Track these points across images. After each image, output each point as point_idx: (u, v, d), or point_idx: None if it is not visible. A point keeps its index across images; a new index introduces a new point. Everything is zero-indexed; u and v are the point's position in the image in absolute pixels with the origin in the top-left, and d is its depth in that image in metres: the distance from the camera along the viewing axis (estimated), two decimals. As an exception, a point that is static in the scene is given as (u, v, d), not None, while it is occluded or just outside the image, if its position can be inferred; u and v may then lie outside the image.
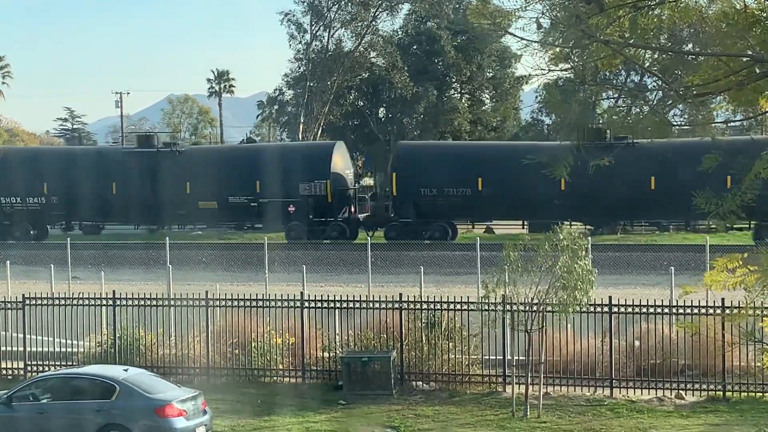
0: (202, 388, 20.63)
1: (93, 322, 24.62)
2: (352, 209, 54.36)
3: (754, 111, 11.56)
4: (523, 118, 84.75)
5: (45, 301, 24.93)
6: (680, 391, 22.00)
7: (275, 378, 23.75)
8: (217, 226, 55.72)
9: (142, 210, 54.79)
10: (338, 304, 24.02)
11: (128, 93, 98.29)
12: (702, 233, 49.73)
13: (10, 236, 54.07)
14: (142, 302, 24.46)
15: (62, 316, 24.64)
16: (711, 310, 21.28)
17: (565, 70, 11.81)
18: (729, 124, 13.11)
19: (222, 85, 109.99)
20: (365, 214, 55.00)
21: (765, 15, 10.29)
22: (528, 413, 20.60)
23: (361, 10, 76.62)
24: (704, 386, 21.89)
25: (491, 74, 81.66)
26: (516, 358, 21.85)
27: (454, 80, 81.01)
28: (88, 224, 57.40)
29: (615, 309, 22.39)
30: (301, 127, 76.97)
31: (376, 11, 77.60)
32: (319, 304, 24.01)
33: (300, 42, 78.86)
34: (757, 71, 10.40)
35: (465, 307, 23.09)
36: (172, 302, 24.60)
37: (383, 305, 23.65)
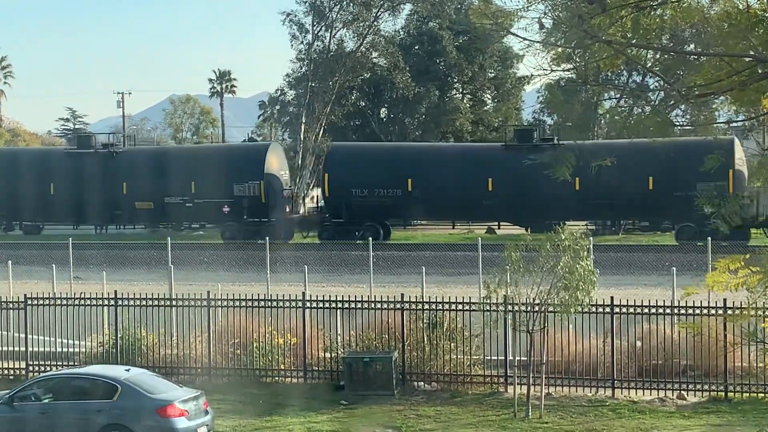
0: (203, 388, 20.63)
1: (95, 322, 24.62)
2: (287, 209, 55.13)
3: (756, 111, 11.54)
4: (525, 118, 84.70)
5: (47, 301, 24.93)
6: (682, 392, 21.98)
7: (277, 378, 23.74)
8: (154, 227, 56.44)
9: (80, 210, 55.69)
10: (340, 305, 24.02)
11: (130, 93, 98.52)
12: (632, 234, 50.40)
13: None
14: (144, 302, 24.46)
15: (64, 316, 24.63)
16: (713, 311, 21.26)
17: (567, 70, 11.81)
18: (731, 125, 13.09)
19: (224, 85, 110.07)
20: (300, 215, 55.68)
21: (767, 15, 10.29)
22: (530, 414, 20.59)
23: (362, 10, 76.53)
24: (706, 387, 21.87)
25: (493, 74, 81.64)
26: (518, 358, 21.83)
27: (455, 80, 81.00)
28: (28, 224, 58.25)
29: (617, 309, 22.38)
30: (302, 127, 76.92)
31: (378, 11, 77.51)
32: (320, 305, 24.01)
33: (302, 42, 78.77)
34: (760, 71, 10.39)
35: (467, 307, 23.08)
36: (174, 302, 24.60)
37: (385, 305, 23.64)
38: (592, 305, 21.54)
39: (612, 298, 22.54)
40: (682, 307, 21.65)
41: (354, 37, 78.31)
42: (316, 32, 77.90)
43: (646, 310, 22.42)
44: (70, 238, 36.49)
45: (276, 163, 55.42)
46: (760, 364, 21.64)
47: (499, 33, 11.42)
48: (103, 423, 18.21)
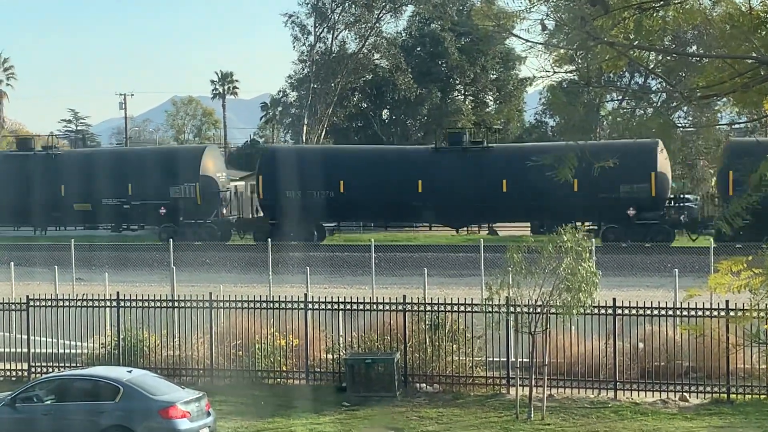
0: (206, 389, 20.64)
1: (97, 324, 24.63)
2: (224, 211, 55.83)
3: (758, 113, 11.55)
4: (527, 120, 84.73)
5: (49, 303, 24.95)
6: (684, 394, 21.97)
7: (279, 380, 23.75)
8: (93, 228, 56.92)
9: (20, 212, 56.35)
10: (342, 306, 24.02)
11: (132, 95, 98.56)
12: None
13: None
14: (146, 304, 24.47)
15: (66, 318, 24.64)
16: (715, 313, 21.26)
17: (570, 71, 11.82)
18: (733, 126, 13.10)
19: (226, 87, 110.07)
20: (236, 216, 56.39)
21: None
22: (532, 415, 20.58)
23: (364, 11, 76.65)
24: (708, 388, 21.86)
25: (495, 76, 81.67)
26: (520, 360, 21.83)
27: (457, 82, 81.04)
28: None
29: (619, 311, 22.37)
30: (304, 128, 77.00)
31: (380, 13, 77.63)
32: (322, 306, 24.01)
33: (304, 44, 78.95)
34: (762, 73, 10.39)
35: (469, 308, 23.07)
36: (176, 304, 24.61)
37: (387, 307, 23.64)
38: (595, 307, 21.54)
39: (614, 299, 22.54)
40: (685, 308, 21.63)
41: (356, 39, 78.45)
42: (318, 34, 78.02)
43: (648, 312, 22.41)
44: (72, 240, 36.52)
45: (213, 166, 56.21)
46: (763, 366, 21.65)
47: (501, 34, 11.43)
48: (106, 424, 18.21)
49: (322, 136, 77.31)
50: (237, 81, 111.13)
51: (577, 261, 20.02)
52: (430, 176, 51.32)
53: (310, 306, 23.87)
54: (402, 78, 74.99)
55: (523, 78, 79.32)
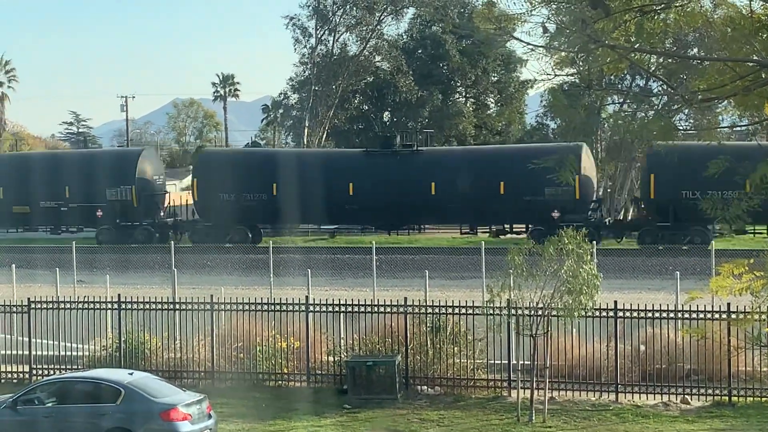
0: (207, 391, 20.65)
1: (98, 326, 24.63)
2: (161, 214, 56.56)
3: (759, 116, 11.54)
4: (528, 122, 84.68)
5: (50, 305, 24.95)
6: (686, 396, 21.97)
7: (280, 382, 23.75)
8: (33, 231, 57.34)
9: None
10: (343, 308, 24.02)
11: (133, 97, 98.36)
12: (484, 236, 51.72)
13: None
14: (148, 306, 24.47)
15: (67, 320, 24.65)
16: (717, 315, 21.25)
17: (571, 74, 11.86)
18: (734, 129, 13.09)
19: (227, 89, 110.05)
20: (174, 219, 57.05)
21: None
22: (533, 418, 20.57)
23: (366, 14, 76.60)
24: (710, 391, 21.85)
25: (496, 78, 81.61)
26: (521, 362, 21.82)
27: (459, 84, 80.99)
28: None
29: (620, 313, 22.36)
30: (306, 131, 76.98)
31: (381, 15, 77.58)
32: (323, 308, 24.01)
33: (305, 46, 78.91)
34: (763, 76, 10.39)
35: (470, 311, 23.07)
36: (177, 306, 24.61)
37: (388, 309, 23.64)
38: (596, 309, 21.53)
39: (615, 302, 22.53)
40: (686, 311, 21.63)
41: (357, 41, 78.40)
42: (319, 36, 77.98)
43: (649, 314, 22.40)
44: (74, 242, 36.52)
45: (150, 169, 56.74)
46: (764, 369, 21.65)
47: (502, 37, 11.44)
48: (107, 426, 18.21)
49: (323, 139, 77.28)
50: (238, 83, 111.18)
51: (578, 263, 20.02)
52: (361, 179, 52.30)
53: (311, 308, 23.87)
54: (403, 80, 74.97)
55: (525, 80, 79.25)
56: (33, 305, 24.84)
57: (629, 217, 56.57)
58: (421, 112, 77.58)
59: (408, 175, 51.30)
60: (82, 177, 54.54)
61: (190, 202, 57.73)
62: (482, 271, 29.17)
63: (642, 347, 22.81)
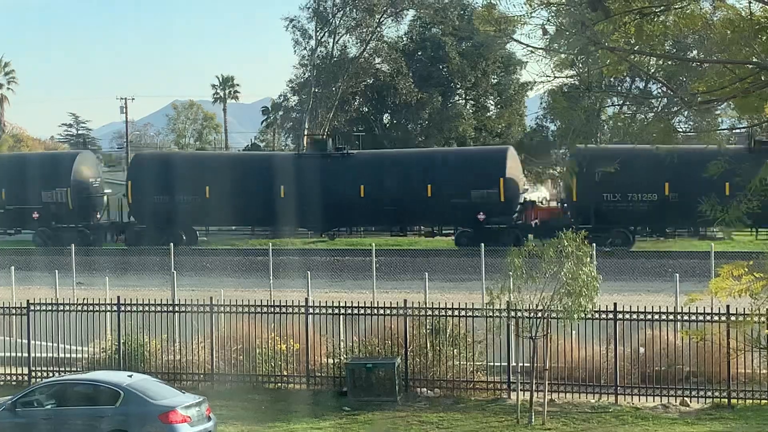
0: (206, 394, 20.64)
1: (98, 328, 24.62)
2: (98, 216, 56.89)
3: (759, 118, 11.54)
4: (528, 124, 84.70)
5: (49, 307, 24.94)
6: (685, 398, 21.96)
7: (280, 384, 23.74)
8: None
9: None
10: (343, 310, 24.01)
11: (133, 99, 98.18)
12: (411, 237, 53.54)
13: None
14: (147, 308, 24.45)
15: (67, 322, 24.63)
16: (716, 317, 21.24)
17: (571, 76, 11.82)
18: (734, 131, 13.09)
19: (227, 91, 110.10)
20: (111, 221, 57.48)
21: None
22: (533, 420, 20.57)
23: (366, 16, 76.63)
24: (709, 393, 21.84)
25: (496, 80, 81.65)
26: (520, 364, 21.82)
27: (458, 86, 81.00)
28: None
29: (620, 315, 22.36)
30: (305, 132, 77.01)
31: (381, 17, 77.61)
32: (323, 310, 24.00)
33: (305, 48, 78.95)
34: (763, 78, 10.39)
35: (469, 313, 23.07)
36: (177, 308, 24.60)
37: (388, 311, 23.63)
38: (595, 311, 21.54)
39: (615, 304, 22.52)
40: (686, 313, 21.62)
41: (357, 43, 78.43)
42: (319, 38, 78.02)
43: (649, 317, 22.39)
44: (73, 245, 36.51)
45: (87, 171, 57.05)
46: (764, 371, 21.64)
47: (502, 39, 11.44)
48: (106, 429, 18.20)
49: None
50: (238, 85, 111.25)
51: (578, 265, 20.03)
52: (293, 182, 52.92)
53: (310, 310, 23.87)
54: (403, 82, 74.98)
55: (524, 82, 79.25)
56: (32, 307, 24.83)
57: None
58: (420, 114, 77.61)
59: (338, 178, 52.14)
60: (18, 180, 55.08)
61: None
62: (482, 273, 29.17)
63: (641, 349, 22.81)
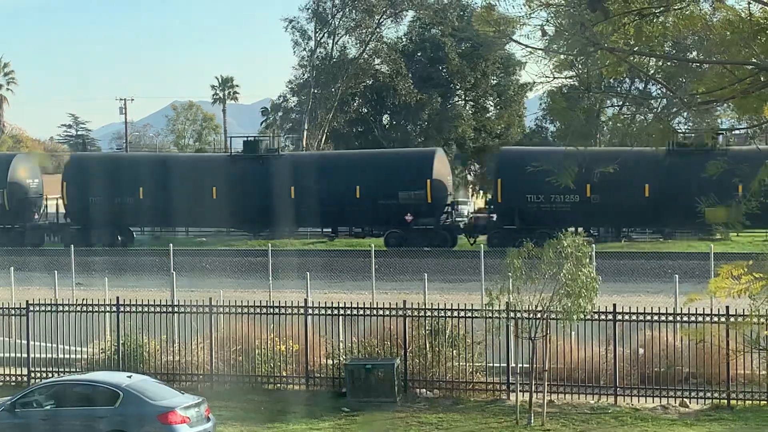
0: (205, 394, 20.64)
1: (97, 329, 24.61)
2: (36, 217, 57.31)
3: (758, 119, 11.54)
4: (528, 125, 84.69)
5: (49, 307, 24.93)
6: (684, 399, 21.96)
7: (279, 385, 23.73)
8: None
9: None
10: (342, 311, 24.00)
11: (132, 99, 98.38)
12: (353, 238, 53.88)
13: None
14: (146, 309, 24.44)
15: (66, 323, 24.62)
16: (715, 318, 21.24)
17: (570, 77, 11.81)
18: (733, 132, 13.09)
19: (226, 92, 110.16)
20: (49, 222, 57.88)
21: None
22: (532, 421, 20.56)
23: (365, 17, 76.63)
24: (708, 394, 21.84)
25: (495, 81, 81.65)
26: (520, 365, 21.82)
27: (458, 87, 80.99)
28: None
29: (619, 316, 22.36)
30: (305, 134, 77.02)
31: (381, 18, 77.62)
32: (322, 311, 23.99)
33: (304, 49, 78.96)
34: (762, 79, 10.39)
35: (469, 314, 23.07)
36: (176, 309, 24.59)
37: (387, 312, 23.63)
38: (595, 312, 21.53)
39: (614, 305, 22.53)
40: (685, 314, 21.62)
41: (356, 44, 78.45)
42: (318, 39, 78.04)
43: (648, 318, 22.39)
44: (72, 246, 36.49)
45: (24, 172, 57.52)
46: (763, 372, 21.63)
47: (501, 40, 11.43)
48: (105, 429, 18.20)
49: (323, 142, 77.32)
50: (237, 86, 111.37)
51: (577, 266, 20.03)
52: (225, 183, 53.62)
53: (309, 311, 23.86)
54: (402, 83, 74.97)
55: (524, 83, 79.25)
56: (31, 308, 24.82)
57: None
58: (420, 115, 77.61)
59: (269, 180, 52.67)
60: None
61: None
62: (481, 274, 29.17)
63: (641, 350, 22.80)
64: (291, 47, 79.29)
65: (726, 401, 21.66)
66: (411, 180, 51.26)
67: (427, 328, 23.37)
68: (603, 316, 22.23)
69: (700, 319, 21.41)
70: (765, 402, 21.53)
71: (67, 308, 24.87)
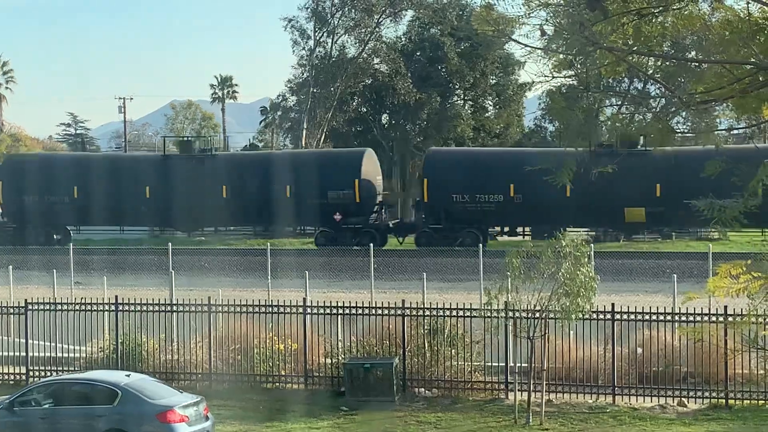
0: (204, 393, 20.65)
1: (95, 328, 24.62)
2: None
3: (757, 119, 11.55)
4: (526, 125, 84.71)
5: (47, 306, 24.93)
6: (683, 399, 21.98)
7: (278, 384, 23.74)
8: None
9: None
10: (341, 310, 24.02)
11: (131, 98, 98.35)
12: (275, 239, 53.63)
13: None
14: (145, 308, 24.45)
15: (64, 321, 24.63)
16: (714, 318, 21.25)
17: (569, 77, 11.81)
18: (732, 132, 13.09)
19: (225, 91, 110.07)
20: None
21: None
22: (530, 420, 20.58)
23: (364, 16, 76.61)
24: (707, 394, 21.86)
25: (494, 81, 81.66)
26: (518, 364, 21.83)
27: (457, 87, 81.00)
28: None
29: (617, 316, 22.38)
30: (304, 133, 77.00)
31: (380, 18, 77.60)
32: (321, 310, 24.00)
33: (303, 48, 78.94)
34: (761, 79, 10.40)
35: (467, 313, 23.08)
36: (175, 308, 24.60)
37: (386, 311, 23.64)
38: (593, 312, 21.55)
39: (613, 304, 22.54)
40: (683, 313, 21.64)
41: (356, 43, 78.43)
42: (317, 38, 78.00)
43: (646, 317, 22.41)
44: (71, 244, 36.49)
45: None
46: (761, 371, 21.64)
47: (500, 40, 11.43)
48: (104, 428, 18.20)
49: (322, 141, 77.30)
50: (236, 85, 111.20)
51: (575, 266, 20.03)
52: (158, 183, 54.34)
53: (308, 310, 23.87)
54: (401, 83, 74.96)
55: (523, 83, 79.28)
56: (30, 306, 24.83)
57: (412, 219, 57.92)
58: (419, 114, 77.61)
59: (202, 179, 53.38)
60: None
61: None
62: (480, 273, 29.18)
63: (639, 350, 22.82)
64: (290, 46, 79.30)
65: (724, 401, 21.68)
66: (339, 180, 51.92)
67: (425, 327, 23.38)
68: (601, 316, 22.25)
69: (698, 318, 21.42)
70: (763, 401, 21.55)
71: (65, 307, 24.88)
